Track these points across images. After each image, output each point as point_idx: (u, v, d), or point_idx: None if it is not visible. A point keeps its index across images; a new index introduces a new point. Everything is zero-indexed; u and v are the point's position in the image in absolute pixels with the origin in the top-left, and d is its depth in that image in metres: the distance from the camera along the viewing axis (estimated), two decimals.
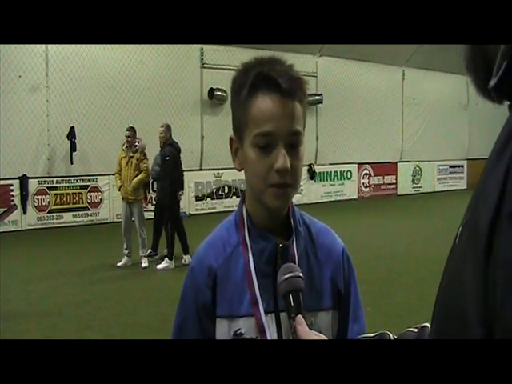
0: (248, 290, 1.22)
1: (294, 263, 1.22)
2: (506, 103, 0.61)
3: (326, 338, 1.04)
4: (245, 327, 1.21)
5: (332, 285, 1.28)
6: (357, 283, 1.35)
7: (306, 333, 1.00)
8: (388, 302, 6.27)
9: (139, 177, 8.26)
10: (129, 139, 8.38)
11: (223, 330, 1.23)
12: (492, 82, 0.57)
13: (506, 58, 0.55)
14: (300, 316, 1.04)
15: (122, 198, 8.47)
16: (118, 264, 8.27)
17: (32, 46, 11.61)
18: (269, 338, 1.20)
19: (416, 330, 0.98)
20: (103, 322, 5.79)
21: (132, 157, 8.33)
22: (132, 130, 8.49)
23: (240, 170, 1.25)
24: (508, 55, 0.55)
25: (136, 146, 8.41)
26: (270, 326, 1.21)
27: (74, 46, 12.07)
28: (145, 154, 8.48)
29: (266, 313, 1.21)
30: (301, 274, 1.11)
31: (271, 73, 1.16)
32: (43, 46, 12.01)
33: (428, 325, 0.98)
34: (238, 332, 1.22)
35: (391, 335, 1.03)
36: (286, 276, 1.10)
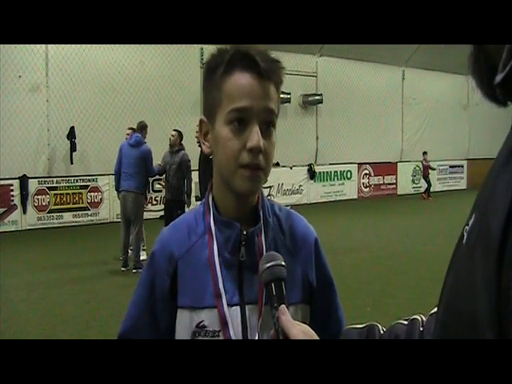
0: (211, 282, 1.16)
1: (262, 253, 1.16)
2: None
3: (309, 329, 0.98)
4: (208, 319, 1.15)
5: (303, 277, 1.22)
6: (331, 274, 1.29)
7: (289, 323, 0.95)
8: (388, 302, 6.27)
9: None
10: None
11: (185, 322, 1.17)
12: (498, 78, 0.54)
13: None
14: (283, 306, 0.98)
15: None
16: (142, 257, 8.16)
17: (32, 45, 11.64)
18: (231, 331, 1.14)
19: (406, 323, 0.98)
20: (103, 322, 5.79)
21: None
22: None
23: (209, 155, 1.19)
24: None
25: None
26: (234, 320, 1.15)
27: (74, 46, 12.09)
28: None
29: (231, 305, 1.16)
30: (283, 263, 1.03)
31: (249, 51, 1.13)
32: (43, 46, 12.03)
33: (418, 317, 0.97)
34: (201, 324, 1.16)
35: (380, 327, 1.02)
36: (268, 265, 1.02)
